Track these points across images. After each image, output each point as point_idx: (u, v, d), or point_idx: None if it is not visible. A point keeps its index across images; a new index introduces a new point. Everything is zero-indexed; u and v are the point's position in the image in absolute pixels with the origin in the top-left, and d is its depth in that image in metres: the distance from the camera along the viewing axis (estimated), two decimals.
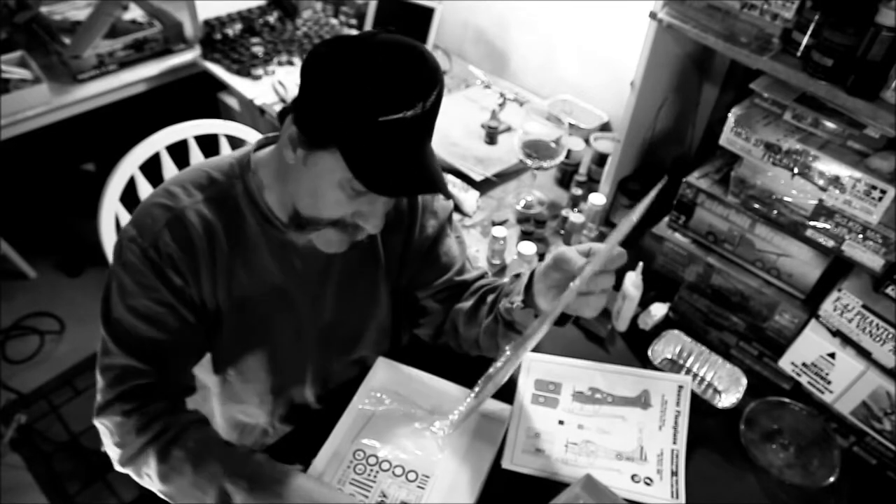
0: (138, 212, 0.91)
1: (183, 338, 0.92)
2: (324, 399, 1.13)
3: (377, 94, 0.74)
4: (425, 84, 0.76)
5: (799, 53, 1.03)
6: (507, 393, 1.14)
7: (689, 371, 1.25)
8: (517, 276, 1.03)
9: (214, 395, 1.08)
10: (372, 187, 0.79)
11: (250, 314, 0.97)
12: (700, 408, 1.14)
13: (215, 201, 0.91)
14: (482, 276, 1.13)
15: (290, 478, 0.89)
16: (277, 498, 0.86)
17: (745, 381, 1.18)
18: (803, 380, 1.17)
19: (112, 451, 0.91)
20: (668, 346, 1.27)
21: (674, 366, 1.26)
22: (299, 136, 0.81)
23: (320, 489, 0.89)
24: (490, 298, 1.04)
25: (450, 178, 1.59)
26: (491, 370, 0.87)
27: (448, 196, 0.88)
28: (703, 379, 1.24)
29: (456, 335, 1.09)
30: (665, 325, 1.32)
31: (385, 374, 1.11)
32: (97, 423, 0.92)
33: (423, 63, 0.76)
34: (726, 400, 1.18)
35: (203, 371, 1.02)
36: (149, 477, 0.90)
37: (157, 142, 1.46)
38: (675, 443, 1.08)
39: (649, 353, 1.23)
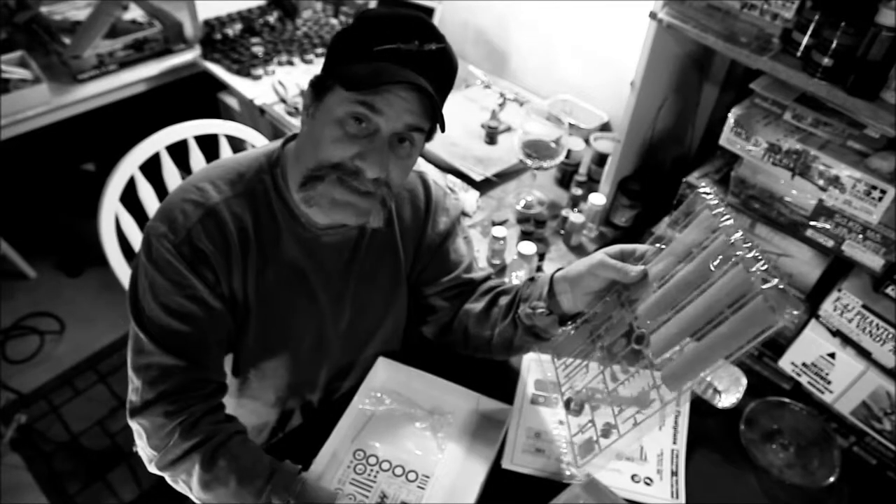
0: (166, 208, 0.89)
1: (216, 333, 0.92)
2: (328, 398, 1.14)
3: (374, 28, 0.80)
4: (423, 30, 0.81)
5: (799, 53, 1.03)
6: (507, 393, 1.14)
7: None
8: (532, 279, 1.03)
9: (228, 396, 1.07)
10: (359, 84, 0.79)
11: (276, 309, 0.97)
12: (700, 408, 1.14)
13: (245, 197, 0.91)
14: (489, 277, 1.13)
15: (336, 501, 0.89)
16: None
17: (745, 381, 1.18)
18: (803, 380, 1.17)
19: (147, 453, 0.89)
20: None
21: None
22: (310, 95, 0.86)
23: None
24: (503, 301, 1.04)
25: (450, 178, 1.59)
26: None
27: (437, 105, 0.84)
28: (703, 379, 1.24)
29: (465, 337, 1.09)
30: None
31: (385, 375, 1.11)
32: (133, 423, 0.89)
33: (424, 21, 0.82)
34: (726, 400, 1.18)
35: None
36: (185, 483, 0.89)
37: (157, 142, 1.46)
38: (675, 443, 1.08)
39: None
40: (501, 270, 1.42)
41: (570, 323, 0.97)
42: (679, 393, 0.80)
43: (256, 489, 0.86)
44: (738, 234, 0.77)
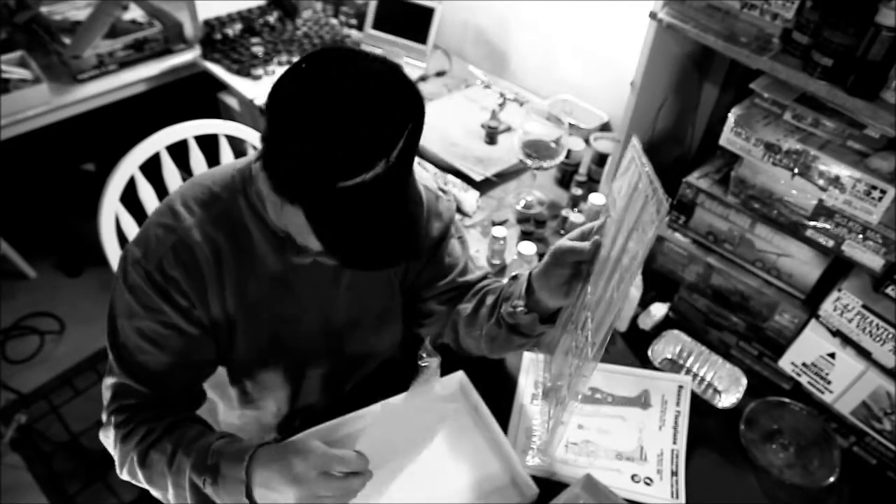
0: (143, 232, 0.90)
1: (189, 357, 0.92)
2: (331, 404, 1.13)
3: (332, 158, 0.68)
4: (388, 136, 0.69)
5: (799, 53, 1.03)
6: (507, 393, 1.14)
7: (689, 371, 1.25)
8: (514, 277, 1.02)
9: (230, 408, 1.06)
10: (338, 258, 0.75)
11: (262, 321, 0.96)
12: (700, 408, 1.14)
13: (219, 218, 0.90)
14: (485, 278, 1.12)
15: (251, 455, 0.83)
16: (241, 482, 0.81)
17: (745, 381, 1.18)
18: (803, 380, 1.17)
19: (116, 462, 0.94)
20: (668, 346, 1.27)
21: (674, 366, 1.26)
22: (270, 182, 0.78)
23: (281, 450, 0.84)
24: (489, 301, 1.04)
25: (450, 178, 1.59)
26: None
27: (421, 257, 0.82)
28: (703, 379, 1.24)
29: (455, 336, 1.09)
30: (665, 325, 1.32)
31: (457, 390, 1.10)
32: (101, 437, 0.94)
33: (387, 108, 0.69)
34: (726, 400, 1.18)
35: (214, 386, 1.02)
36: (142, 482, 0.91)
37: (157, 142, 1.46)
38: (675, 443, 1.08)
39: (649, 353, 1.23)
40: (501, 270, 1.42)
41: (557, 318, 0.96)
42: (599, 344, 0.77)
43: (181, 471, 0.85)
44: (647, 169, 0.74)
